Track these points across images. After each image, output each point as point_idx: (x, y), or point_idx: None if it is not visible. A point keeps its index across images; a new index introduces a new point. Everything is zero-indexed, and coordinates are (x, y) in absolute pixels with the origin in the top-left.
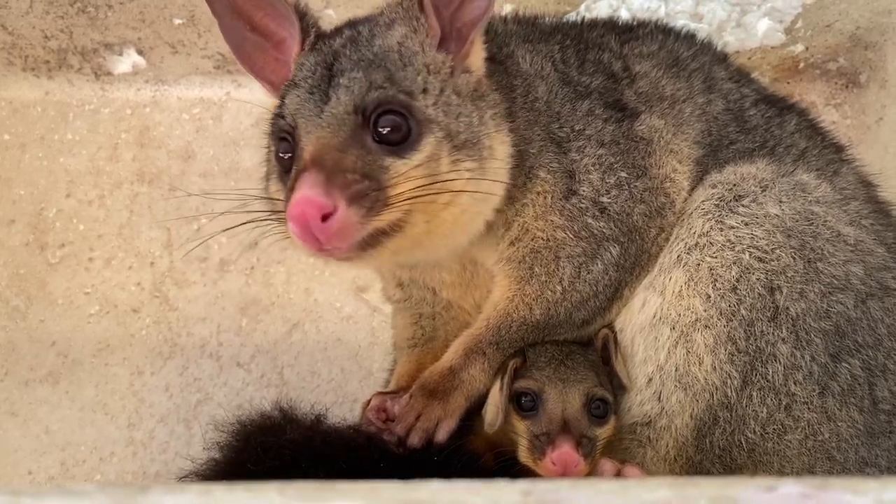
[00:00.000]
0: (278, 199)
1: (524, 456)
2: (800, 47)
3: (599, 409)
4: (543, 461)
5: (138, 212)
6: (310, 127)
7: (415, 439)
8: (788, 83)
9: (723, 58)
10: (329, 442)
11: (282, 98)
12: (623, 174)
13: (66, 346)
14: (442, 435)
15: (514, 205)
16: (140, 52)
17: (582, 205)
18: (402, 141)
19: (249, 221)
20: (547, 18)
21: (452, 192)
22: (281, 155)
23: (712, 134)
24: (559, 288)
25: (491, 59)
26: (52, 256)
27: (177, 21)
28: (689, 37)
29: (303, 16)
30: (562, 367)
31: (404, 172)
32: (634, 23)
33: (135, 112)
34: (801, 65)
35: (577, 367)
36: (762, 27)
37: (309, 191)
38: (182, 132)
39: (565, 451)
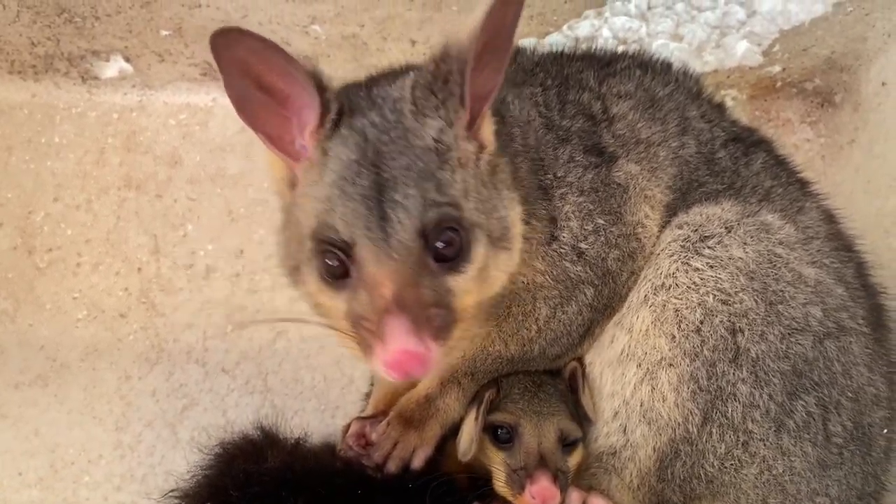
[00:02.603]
0: (324, 302)
1: (501, 488)
2: (777, 68)
3: (569, 441)
4: (522, 495)
5: (125, 217)
6: (379, 255)
7: (392, 466)
8: (766, 100)
9: (696, 94)
10: (308, 470)
11: (317, 191)
12: (600, 221)
13: (54, 350)
14: (418, 462)
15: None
16: (127, 59)
17: (562, 250)
18: (457, 255)
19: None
20: (528, 50)
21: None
22: (327, 262)
23: (683, 178)
24: (535, 327)
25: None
26: (40, 261)
27: (164, 32)
28: (665, 70)
29: (323, 90)
30: (535, 399)
31: (464, 288)
32: (612, 55)
33: (122, 116)
34: (779, 84)
35: (549, 399)
36: (741, 49)
37: (404, 341)
38: (169, 138)
39: (544, 485)
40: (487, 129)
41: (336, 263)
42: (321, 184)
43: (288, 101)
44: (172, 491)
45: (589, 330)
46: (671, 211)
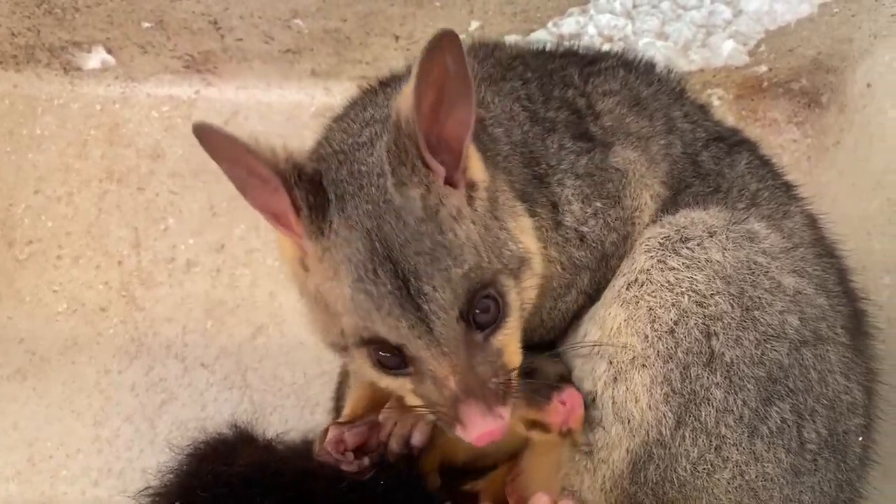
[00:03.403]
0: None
1: (524, 414)
2: (763, 68)
3: None
4: (550, 404)
5: (107, 210)
6: (432, 353)
7: (394, 445)
8: (752, 100)
9: (679, 94)
10: (280, 471)
11: (338, 289)
12: (598, 204)
13: (33, 343)
14: (418, 438)
15: None
16: (109, 51)
17: (567, 235)
18: (496, 316)
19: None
20: (507, 45)
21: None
22: (381, 356)
23: (675, 176)
24: (537, 320)
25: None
26: (20, 253)
27: (145, 24)
28: (649, 70)
29: (291, 188)
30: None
31: (510, 338)
32: (595, 54)
33: (104, 108)
34: (765, 84)
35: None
36: (727, 48)
37: (482, 423)
38: (151, 130)
39: (573, 391)
40: (475, 166)
41: (390, 356)
42: (339, 282)
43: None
44: (144, 489)
45: (581, 314)
46: (661, 210)
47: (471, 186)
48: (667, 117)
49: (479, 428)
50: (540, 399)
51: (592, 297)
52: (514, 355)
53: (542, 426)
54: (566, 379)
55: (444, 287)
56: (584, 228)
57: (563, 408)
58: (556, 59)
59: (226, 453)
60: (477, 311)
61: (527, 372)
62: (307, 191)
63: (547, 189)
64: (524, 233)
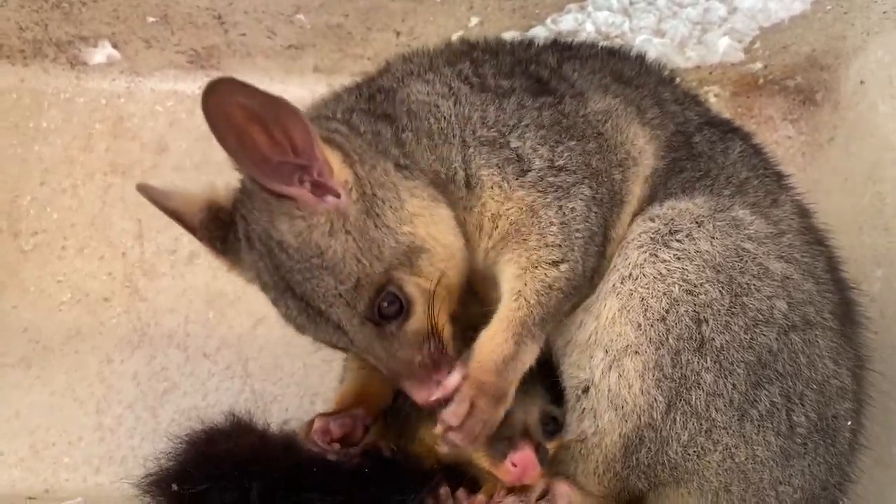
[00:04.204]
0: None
1: (481, 458)
2: (758, 65)
3: (550, 427)
4: (503, 463)
5: (111, 202)
6: (357, 351)
7: (475, 444)
8: (748, 97)
9: (669, 80)
10: (271, 457)
11: None
12: (572, 143)
13: (37, 332)
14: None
15: (474, 209)
16: (115, 46)
17: (540, 173)
18: (401, 308)
19: None
20: (483, 40)
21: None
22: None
23: (672, 149)
24: (554, 228)
25: (384, 116)
26: (25, 244)
27: (150, 19)
28: (637, 57)
29: (202, 239)
30: (522, 382)
31: (423, 321)
32: (579, 43)
33: (109, 102)
34: (761, 81)
35: (535, 385)
36: (722, 45)
37: (420, 394)
38: (155, 125)
39: (526, 453)
40: (336, 166)
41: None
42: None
43: None
44: (144, 476)
45: (607, 232)
46: (654, 188)
47: (344, 186)
48: (655, 95)
49: (422, 397)
50: (495, 454)
51: (610, 207)
52: (439, 329)
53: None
54: (528, 433)
55: (336, 303)
56: (560, 161)
57: (514, 470)
58: (532, 47)
59: (220, 440)
60: (383, 306)
61: None
62: (216, 238)
63: (503, 149)
64: (412, 219)
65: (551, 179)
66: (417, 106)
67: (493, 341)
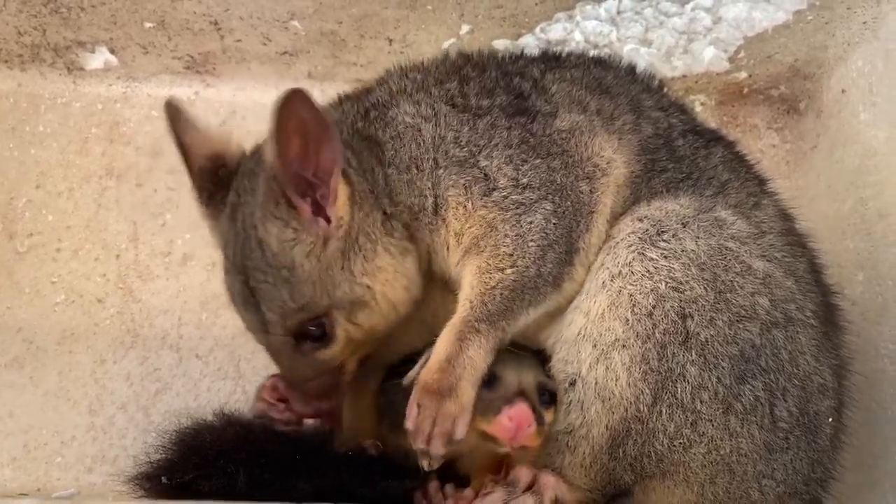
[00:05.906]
0: None
1: (478, 421)
2: (743, 74)
3: (546, 398)
4: (497, 418)
5: (106, 205)
6: (267, 349)
7: (438, 447)
8: (733, 106)
9: (657, 89)
10: (256, 448)
11: None
12: (537, 161)
13: (31, 332)
14: (461, 432)
15: (440, 231)
16: (112, 51)
17: (504, 192)
18: (322, 339)
19: None
20: (476, 53)
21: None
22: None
23: (648, 151)
24: (508, 240)
25: (375, 142)
26: (20, 245)
27: (147, 24)
28: (625, 67)
29: (193, 177)
30: (516, 356)
31: (335, 356)
32: (566, 53)
33: (105, 107)
34: (745, 90)
35: (531, 359)
36: (708, 55)
37: (298, 407)
38: (151, 129)
39: (521, 407)
40: (342, 201)
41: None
42: None
43: None
44: (135, 475)
45: (572, 245)
46: (636, 190)
47: (338, 220)
48: (634, 102)
49: (298, 409)
50: (490, 412)
51: (573, 220)
52: (345, 368)
53: (493, 440)
54: (524, 394)
55: (275, 311)
56: (524, 179)
57: (509, 423)
58: (518, 60)
59: (206, 432)
60: (310, 329)
61: (487, 380)
62: (206, 190)
63: (471, 168)
64: (376, 273)
65: (515, 197)
66: (403, 129)
67: (439, 345)
